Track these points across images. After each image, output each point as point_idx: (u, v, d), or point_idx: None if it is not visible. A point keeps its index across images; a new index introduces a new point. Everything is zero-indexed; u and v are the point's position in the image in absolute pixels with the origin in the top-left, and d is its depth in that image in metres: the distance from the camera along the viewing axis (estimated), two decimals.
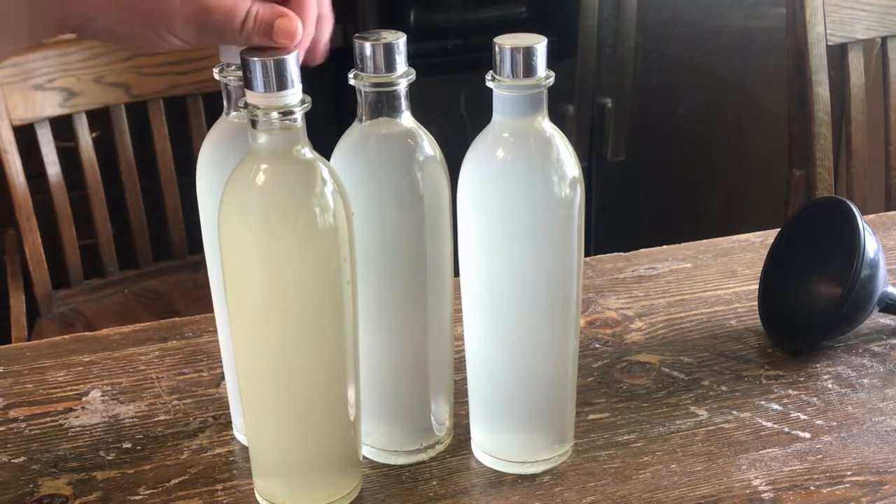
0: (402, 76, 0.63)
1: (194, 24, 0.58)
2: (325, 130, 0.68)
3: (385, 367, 0.69)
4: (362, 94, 0.64)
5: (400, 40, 0.62)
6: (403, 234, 0.66)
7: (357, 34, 0.63)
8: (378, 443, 0.72)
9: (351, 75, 0.64)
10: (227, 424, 0.76)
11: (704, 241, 1.03)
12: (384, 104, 0.64)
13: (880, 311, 0.85)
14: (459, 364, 0.74)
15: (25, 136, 1.42)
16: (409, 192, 0.65)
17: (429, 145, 0.65)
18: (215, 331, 0.75)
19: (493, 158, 0.64)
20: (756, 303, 0.88)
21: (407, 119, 0.65)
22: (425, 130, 0.65)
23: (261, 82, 0.57)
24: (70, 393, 0.80)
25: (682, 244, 1.02)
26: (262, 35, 0.58)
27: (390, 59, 0.62)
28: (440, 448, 0.73)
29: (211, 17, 0.58)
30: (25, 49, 0.59)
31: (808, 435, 0.74)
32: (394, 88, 0.63)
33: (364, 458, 0.72)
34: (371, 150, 0.65)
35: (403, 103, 0.64)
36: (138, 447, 0.74)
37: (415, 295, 0.67)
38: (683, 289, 0.94)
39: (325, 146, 0.63)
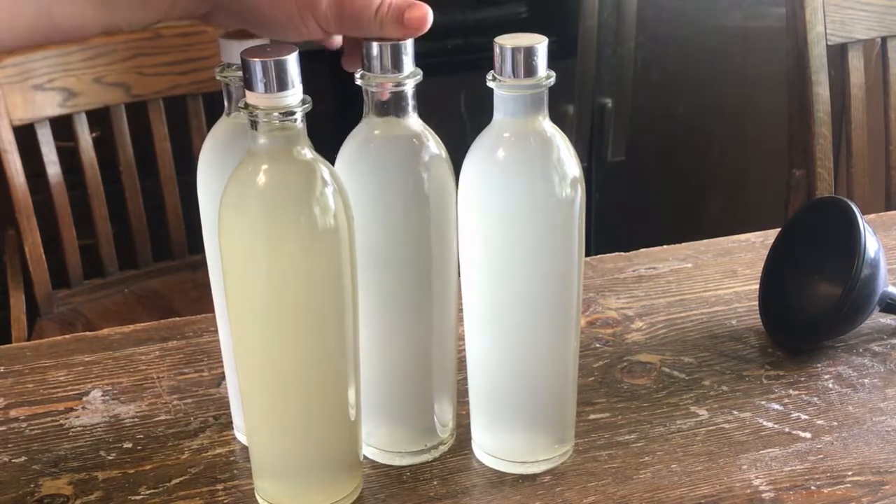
0: (410, 76, 0.63)
1: (336, 10, 0.61)
2: (325, 130, 0.68)
3: (389, 367, 0.69)
4: (369, 94, 0.64)
5: (407, 42, 0.62)
6: (409, 235, 0.66)
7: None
8: (381, 443, 0.72)
9: (357, 75, 0.64)
10: (228, 424, 0.76)
11: (704, 241, 1.03)
12: (391, 104, 0.64)
13: (881, 310, 0.85)
14: (460, 364, 0.74)
15: (25, 136, 1.42)
16: (415, 192, 0.65)
17: (435, 146, 0.65)
18: (216, 331, 0.75)
19: (494, 158, 0.64)
20: (756, 302, 0.88)
21: (413, 119, 0.65)
22: (431, 131, 0.65)
23: (261, 83, 0.57)
24: (71, 393, 0.80)
25: (682, 244, 1.02)
26: (394, 22, 0.61)
27: (397, 59, 0.62)
28: (443, 449, 0.73)
29: (351, 4, 0.61)
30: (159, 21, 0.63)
31: (808, 435, 0.74)
32: (401, 89, 0.63)
33: (367, 458, 0.72)
34: (377, 150, 0.65)
35: (410, 104, 0.64)
36: (139, 447, 0.74)
37: (420, 295, 0.67)
38: (684, 289, 0.94)
39: (325, 146, 0.63)
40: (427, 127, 0.65)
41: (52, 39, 0.62)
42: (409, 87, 0.64)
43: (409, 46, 0.63)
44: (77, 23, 0.61)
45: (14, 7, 0.59)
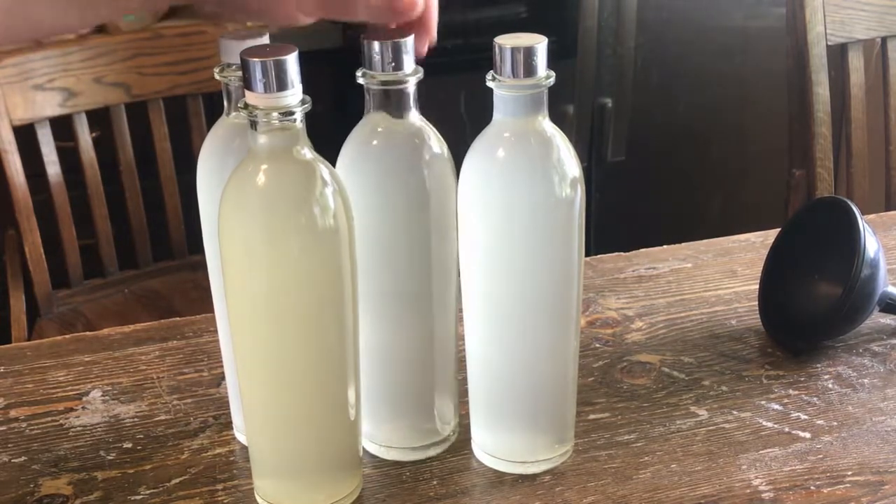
0: (411, 75, 0.63)
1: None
2: (325, 130, 0.68)
3: (391, 365, 0.70)
4: (370, 92, 0.64)
5: (408, 39, 0.63)
6: (410, 233, 0.66)
7: (366, 32, 0.63)
8: (384, 441, 0.72)
9: (359, 73, 0.64)
10: (228, 424, 0.76)
11: (704, 241, 1.03)
12: (392, 103, 0.64)
13: (880, 310, 0.85)
14: (460, 363, 0.74)
15: (25, 136, 1.42)
16: (416, 190, 0.65)
17: (436, 143, 0.65)
18: (215, 331, 0.75)
19: (494, 158, 0.64)
20: (756, 303, 0.88)
21: (415, 117, 0.65)
22: (433, 129, 0.65)
23: (260, 83, 0.57)
24: (70, 393, 0.80)
25: (682, 244, 1.02)
26: (383, 9, 0.59)
27: (398, 57, 0.62)
28: (447, 444, 0.73)
29: None
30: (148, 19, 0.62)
31: (808, 435, 0.74)
32: (402, 87, 0.64)
33: (368, 457, 0.72)
34: (379, 148, 0.65)
35: (411, 102, 0.64)
36: (139, 447, 0.74)
37: (421, 292, 0.68)
38: (684, 289, 0.94)
39: (324, 146, 0.63)
40: (429, 124, 0.65)
41: (26, 40, 0.61)
42: (410, 85, 0.64)
43: (409, 44, 0.63)
44: (52, 18, 0.60)
45: None
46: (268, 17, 0.62)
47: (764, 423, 0.76)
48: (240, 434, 0.74)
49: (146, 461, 0.73)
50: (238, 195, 0.59)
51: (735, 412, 0.77)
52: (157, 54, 1.49)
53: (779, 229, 0.90)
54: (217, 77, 0.65)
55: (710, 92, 1.96)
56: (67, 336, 0.88)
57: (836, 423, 0.75)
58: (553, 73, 0.63)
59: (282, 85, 0.57)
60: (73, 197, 1.49)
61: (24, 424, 0.77)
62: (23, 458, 0.73)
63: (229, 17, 0.64)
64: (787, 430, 0.75)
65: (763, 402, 0.78)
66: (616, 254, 1.00)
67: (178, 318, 0.90)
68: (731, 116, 2.01)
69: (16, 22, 0.59)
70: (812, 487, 0.69)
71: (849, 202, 0.83)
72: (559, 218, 0.64)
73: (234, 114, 0.66)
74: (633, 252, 1.01)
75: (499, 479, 0.71)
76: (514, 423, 0.71)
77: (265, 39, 0.64)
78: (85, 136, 1.47)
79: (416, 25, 0.62)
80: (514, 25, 1.10)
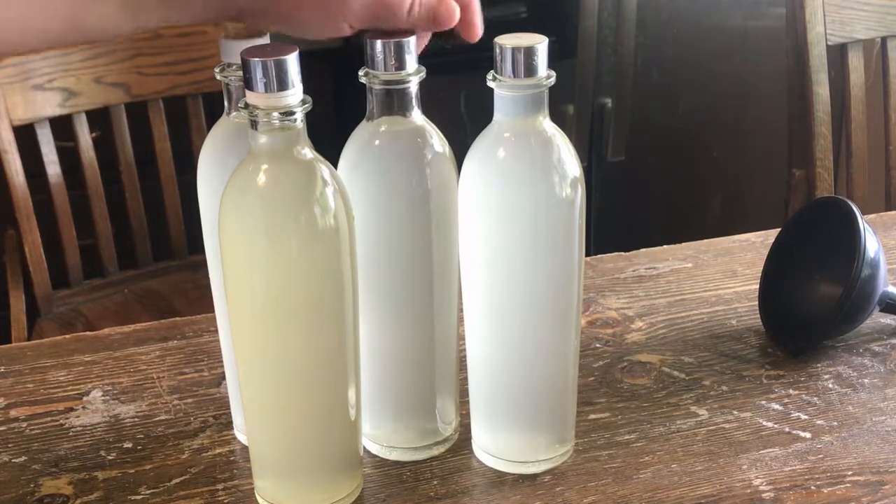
0: (413, 74, 0.63)
1: (368, 11, 0.62)
2: (325, 130, 0.68)
3: (392, 364, 0.70)
4: (373, 91, 0.64)
5: (410, 39, 0.63)
6: (413, 232, 0.66)
7: (368, 32, 0.63)
8: (386, 441, 0.72)
9: (361, 73, 0.64)
10: (228, 424, 0.76)
11: (704, 241, 1.03)
12: (394, 102, 0.64)
13: (881, 310, 0.85)
14: (461, 363, 0.74)
15: (25, 136, 1.42)
16: (418, 188, 0.65)
17: (438, 142, 0.65)
18: (216, 330, 0.75)
19: (495, 158, 0.64)
20: (757, 302, 0.88)
21: (417, 116, 0.65)
22: (435, 128, 0.66)
23: (261, 83, 0.57)
24: (71, 392, 0.80)
25: (682, 244, 1.02)
26: (426, 20, 0.63)
27: (401, 57, 0.63)
28: (448, 444, 0.73)
29: (383, 5, 0.62)
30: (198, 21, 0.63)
31: (808, 435, 0.74)
32: (404, 86, 0.64)
33: (368, 456, 0.72)
34: (381, 148, 0.65)
35: (414, 101, 0.64)
36: (139, 447, 0.74)
37: (422, 292, 0.68)
38: (684, 289, 0.94)
39: (325, 146, 0.63)
40: (431, 123, 0.66)
41: (80, 43, 0.62)
42: (413, 85, 0.64)
43: (412, 44, 0.63)
44: (106, 26, 0.61)
45: (44, 16, 0.59)
46: (318, 31, 0.63)
47: (764, 423, 0.76)
48: (240, 434, 0.74)
49: (146, 461, 0.73)
50: (238, 195, 0.59)
51: (735, 412, 0.77)
52: (157, 54, 1.49)
53: (779, 229, 0.90)
54: (217, 77, 0.65)
55: (710, 92, 1.96)
56: (67, 336, 0.88)
57: (836, 423, 0.75)
58: (553, 73, 0.63)
59: (282, 85, 0.57)
60: (73, 197, 1.49)
61: (24, 424, 0.77)
62: (23, 458, 0.73)
63: (277, 28, 0.64)
64: (787, 429, 0.75)
65: (763, 402, 0.78)
66: (616, 254, 1.00)
67: (178, 318, 0.90)
68: (731, 116, 2.01)
69: (68, 26, 0.60)
70: (812, 487, 0.69)
71: (849, 202, 0.83)
72: (559, 218, 0.64)
73: (234, 114, 0.66)
74: (633, 252, 1.01)
75: (499, 479, 0.71)
76: (515, 422, 0.71)
77: (265, 39, 0.64)
78: (85, 136, 1.47)
79: (461, 24, 0.65)
80: (515, 25, 1.10)
